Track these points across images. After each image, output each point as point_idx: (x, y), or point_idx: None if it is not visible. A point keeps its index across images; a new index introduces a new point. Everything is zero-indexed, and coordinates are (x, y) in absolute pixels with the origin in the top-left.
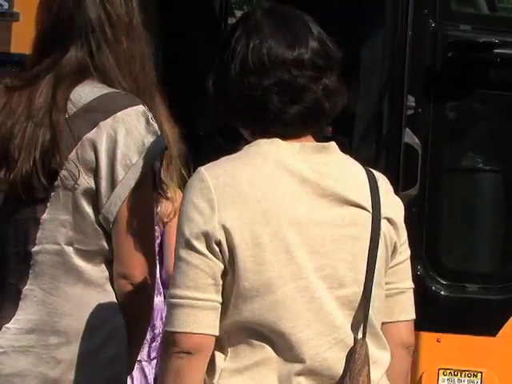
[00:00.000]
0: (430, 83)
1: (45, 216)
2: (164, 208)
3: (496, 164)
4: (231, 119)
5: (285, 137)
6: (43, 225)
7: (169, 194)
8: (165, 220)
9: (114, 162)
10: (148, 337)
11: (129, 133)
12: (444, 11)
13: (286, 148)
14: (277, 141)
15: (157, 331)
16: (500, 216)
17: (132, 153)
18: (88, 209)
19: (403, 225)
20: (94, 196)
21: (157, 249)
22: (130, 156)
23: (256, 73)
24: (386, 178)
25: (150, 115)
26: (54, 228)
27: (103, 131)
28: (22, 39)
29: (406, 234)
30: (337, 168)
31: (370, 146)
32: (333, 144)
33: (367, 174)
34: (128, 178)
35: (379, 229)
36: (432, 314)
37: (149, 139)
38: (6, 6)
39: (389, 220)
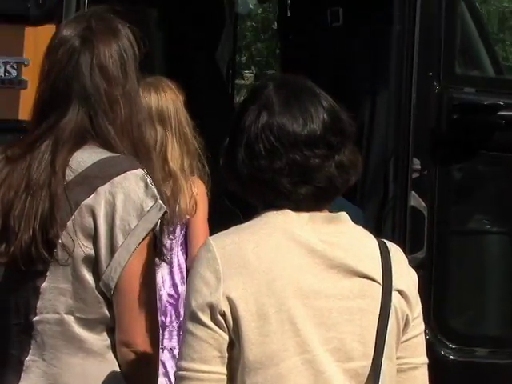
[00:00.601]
0: (436, 146)
1: (44, 285)
2: (183, 203)
3: (503, 226)
4: (242, 194)
5: (297, 209)
6: (43, 294)
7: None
8: (187, 217)
9: (113, 227)
10: (175, 325)
11: (127, 197)
12: (448, 74)
13: (294, 218)
14: (286, 212)
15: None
16: (508, 278)
17: (131, 217)
18: (88, 276)
19: (417, 297)
20: (93, 263)
21: (181, 239)
22: (129, 221)
23: (266, 156)
24: (399, 249)
25: (148, 179)
26: (54, 297)
27: (101, 197)
28: (30, 106)
29: (419, 307)
30: (347, 239)
31: (376, 210)
32: (343, 214)
33: (379, 244)
34: (128, 244)
35: (390, 301)
36: (441, 379)
37: (148, 203)
38: (14, 73)
39: (400, 292)
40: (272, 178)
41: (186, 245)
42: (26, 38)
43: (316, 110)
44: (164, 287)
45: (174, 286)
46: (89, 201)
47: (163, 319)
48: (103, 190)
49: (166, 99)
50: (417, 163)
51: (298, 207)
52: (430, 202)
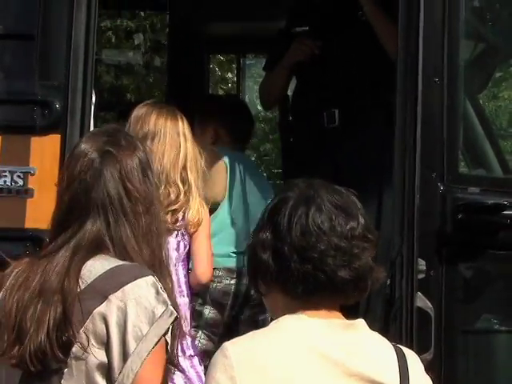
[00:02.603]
0: (441, 246)
1: None
2: (191, 214)
3: (511, 324)
4: (271, 287)
5: (316, 308)
6: None
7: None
8: (191, 230)
9: (125, 333)
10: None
11: (138, 303)
12: (452, 174)
13: (312, 325)
14: (303, 317)
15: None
16: None
17: (142, 324)
18: (101, 382)
19: None
20: (107, 369)
21: (183, 256)
22: (140, 327)
23: (315, 235)
24: (416, 356)
25: (159, 285)
26: None
27: (113, 304)
28: (36, 215)
29: None
30: (364, 347)
31: (383, 311)
32: (361, 321)
33: (396, 351)
34: (140, 350)
35: None
36: None
37: (159, 309)
38: (20, 182)
39: None
40: (319, 257)
41: (187, 261)
42: (32, 148)
43: (356, 214)
44: None
45: None
46: (101, 308)
47: None
48: (115, 297)
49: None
50: (422, 264)
51: (331, 296)
52: (437, 302)
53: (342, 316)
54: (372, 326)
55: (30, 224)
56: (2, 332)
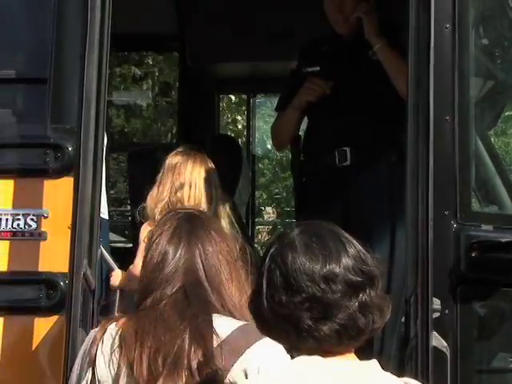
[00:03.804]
0: (455, 284)
1: None
2: None
3: None
4: (268, 335)
5: (324, 352)
6: None
7: None
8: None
9: None
10: None
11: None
12: (465, 212)
13: (324, 368)
14: (316, 359)
15: None
16: None
17: None
18: None
19: None
20: None
21: None
22: None
23: (287, 289)
24: None
25: None
26: None
27: (252, 359)
28: (50, 258)
29: None
30: None
31: (398, 350)
32: (374, 362)
33: None
34: None
35: None
36: None
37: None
38: (34, 225)
39: None
40: (292, 313)
41: None
42: (45, 191)
43: (338, 252)
44: None
45: None
46: (240, 364)
47: None
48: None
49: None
50: (437, 303)
51: (321, 346)
52: (453, 341)
53: (355, 357)
54: (386, 366)
55: (43, 267)
56: None
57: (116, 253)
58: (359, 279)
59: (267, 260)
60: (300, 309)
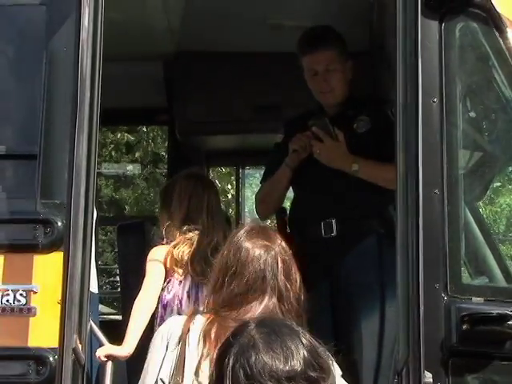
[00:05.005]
0: (447, 357)
1: None
2: None
3: None
4: None
5: None
6: None
7: None
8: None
9: None
10: None
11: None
12: (455, 285)
13: None
14: None
15: None
16: None
17: None
18: None
19: None
20: None
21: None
22: None
23: None
24: None
25: None
26: None
27: None
28: (39, 333)
29: None
30: None
31: None
32: None
33: None
34: None
35: None
36: None
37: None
38: (23, 301)
39: None
40: None
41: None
42: (34, 266)
43: (296, 347)
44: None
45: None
46: None
47: None
48: None
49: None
50: (429, 376)
51: None
52: None
53: None
54: None
55: (32, 343)
56: None
57: (105, 326)
58: (317, 375)
59: (231, 359)
60: None
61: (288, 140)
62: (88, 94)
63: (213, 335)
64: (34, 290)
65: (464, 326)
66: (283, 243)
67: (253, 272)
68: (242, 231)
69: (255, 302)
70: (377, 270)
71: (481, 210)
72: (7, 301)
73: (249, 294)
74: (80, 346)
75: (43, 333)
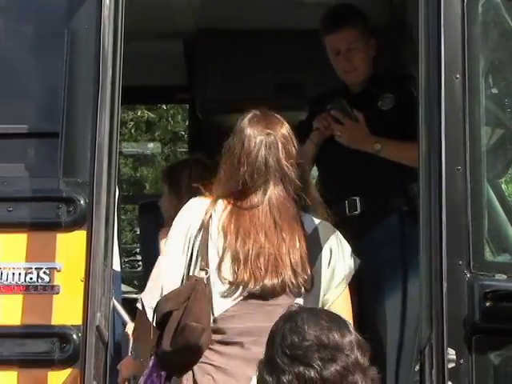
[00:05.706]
0: (470, 334)
1: None
2: None
3: None
4: None
5: None
6: None
7: None
8: None
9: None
10: None
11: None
12: (478, 262)
13: None
14: None
15: None
16: None
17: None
18: None
19: None
20: None
21: None
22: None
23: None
24: None
25: None
26: None
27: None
28: (63, 311)
29: None
30: None
31: None
32: None
33: None
34: None
35: None
36: None
37: None
38: (47, 279)
39: None
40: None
41: None
42: (58, 244)
43: (347, 327)
44: None
45: None
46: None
47: None
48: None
49: None
50: (452, 353)
51: None
52: None
53: None
54: None
55: (56, 320)
56: None
57: (127, 304)
58: (363, 360)
59: (284, 331)
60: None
61: (312, 118)
62: (110, 72)
63: (232, 227)
64: (58, 268)
65: (487, 303)
66: (284, 129)
67: (255, 158)
68: (245, 119)
69: (261, 188)
70: (400, 247)
71: (503, 187)
72: (31, 279)
73: (255, 180)
74: (103, 323)
75: (67, 311)
